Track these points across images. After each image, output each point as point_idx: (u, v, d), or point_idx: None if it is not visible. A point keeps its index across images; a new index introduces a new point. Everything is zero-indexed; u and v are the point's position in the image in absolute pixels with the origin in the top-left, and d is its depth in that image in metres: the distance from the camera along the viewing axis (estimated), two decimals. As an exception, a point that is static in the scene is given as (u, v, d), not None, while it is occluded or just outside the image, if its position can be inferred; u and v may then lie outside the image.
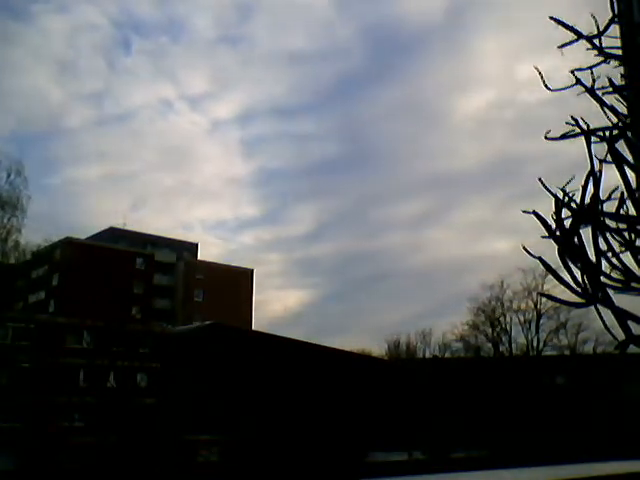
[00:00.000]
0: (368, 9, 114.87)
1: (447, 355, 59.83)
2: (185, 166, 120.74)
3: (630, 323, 4.52)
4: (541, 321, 53.31)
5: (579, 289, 4.70)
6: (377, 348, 68.42)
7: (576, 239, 4.72)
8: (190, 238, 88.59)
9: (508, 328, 54.91)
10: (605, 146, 4.71)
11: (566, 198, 4.83)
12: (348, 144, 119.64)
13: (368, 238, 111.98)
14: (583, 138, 4.82)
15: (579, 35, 4.96)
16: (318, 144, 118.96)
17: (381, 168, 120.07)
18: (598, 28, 4.95)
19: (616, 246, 4.70)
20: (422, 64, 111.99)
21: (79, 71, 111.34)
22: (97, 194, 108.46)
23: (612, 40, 5.05)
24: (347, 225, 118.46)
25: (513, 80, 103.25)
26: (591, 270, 4.65)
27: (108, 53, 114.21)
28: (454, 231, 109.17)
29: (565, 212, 4.82)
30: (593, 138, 4.80)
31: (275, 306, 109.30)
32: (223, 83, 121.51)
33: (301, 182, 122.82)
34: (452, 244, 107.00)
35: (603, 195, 4.80)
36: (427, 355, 63.80)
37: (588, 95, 4.81)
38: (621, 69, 5.01)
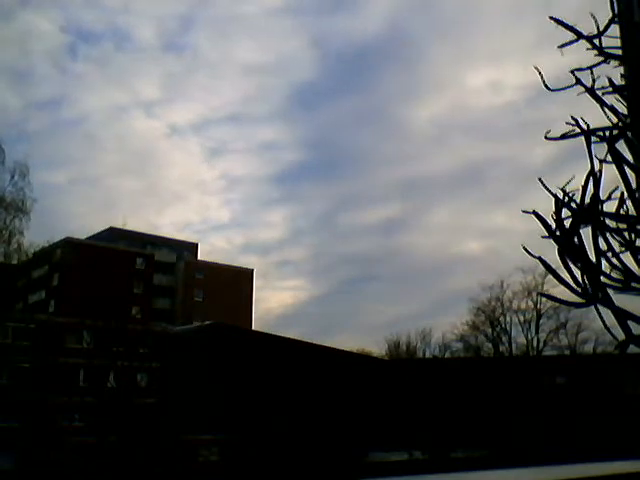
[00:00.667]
0: (320, 22, 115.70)
1: (447, 355, 59.90)
2: (149, 170, 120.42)
3: (630, 323, 4.52)
4: (541, 321, 53.36)
5: (579, 289, 4.70)
6: (377, 348, 68.58)
7: (576, 239, 4.72)
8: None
9: (508, 328, 55.00)
10: (605, 146, 4.72)
11: (566, 198, 4.84)
12: (313, 151, 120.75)
13: (342, 242, 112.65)
14: (583, 138, 4.83)
15: (579, 35, 4.96)
16: (282, 151, 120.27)
17: (349, 173, 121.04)
18: (598, 28, 4.96)
19: (616, 246, 4.70)
20: (379, 74, 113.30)
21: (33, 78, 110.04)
22: (61, 198, 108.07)
23: (612, 40, 5.05)
24: (320, 229, 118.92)
25: (466, 87, 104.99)
26: (591, 270, 4.65)
27: (59, 60, 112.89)
28: (426, 234, 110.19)
29: (565, 212, 4.83)
30: (593, 138, 4.80)
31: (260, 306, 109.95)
32: (176, 90, 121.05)
33: (269, 187, 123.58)
34: (425, 248, 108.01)
35: (603, 195, 4.80)
36: (427, 355, 63.86)
37: (588, 95, 4.82)
38: (621, 69, 5.01)
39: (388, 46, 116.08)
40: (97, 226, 75.05)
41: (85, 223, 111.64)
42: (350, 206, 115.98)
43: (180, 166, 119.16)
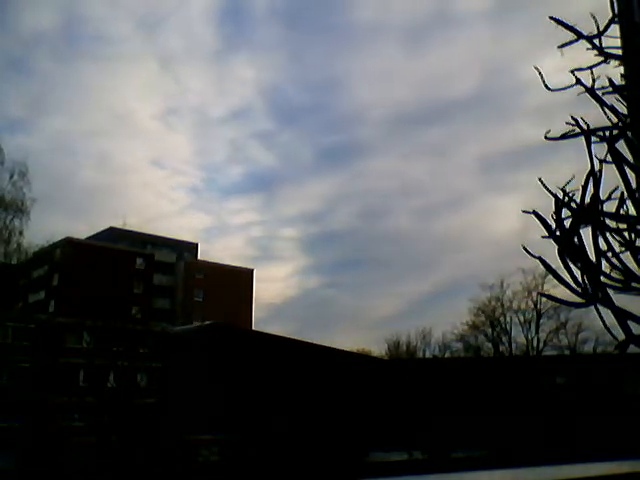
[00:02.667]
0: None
1: (447, 355, 59.86)
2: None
3: (630, 323, 4.53)
4: (541, 321, 53.33)
5: (579, 289, 4.70)
6: (377, 348, 68.64)
7: (576, 239, 4.72)
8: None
9: (508, 328, 54.96)
10: (605, 146, 4.72)
11: (566, 198, 4.84)
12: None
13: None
14: (583, 138, 4.83)
15: (579, 35, 4.97)
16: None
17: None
18: (598, 28, 4.96)
19: (616, 246, 4.70)
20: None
21: None
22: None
23: (612, 40, 5.05)
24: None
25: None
26: (591, 270, 4.65)
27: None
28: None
29: (565, 212, 4.83)
30: (593, 138, 4.80)
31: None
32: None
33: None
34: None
35: (603, 195, 4.80)
36: (427, 355, 63.85)
37: (588, 95, 4.82)
38: (621, 69, 5.01)
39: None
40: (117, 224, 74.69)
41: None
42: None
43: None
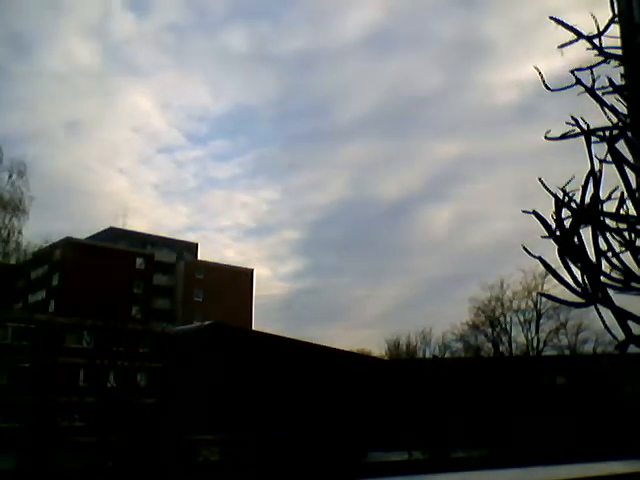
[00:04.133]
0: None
1: (447, 355, 59.86)
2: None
3: (630, 323, 4.52)
4: (541, 321, 53.37)
5: (579, 289, 4.70)
6: (377, 348, 68.62)
7: (576, 239, 4.72)
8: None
9: (508, 328, 55.00)
10: (605, 146, 4.72)
11: (566, 198, 4.84)
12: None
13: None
14: (583, 138, 4.83)
15: (579, 35, 4.97)
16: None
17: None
18: (598, 28, 4.96)
19: (616, 246, 4.70)
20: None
21: None
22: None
23: (612, 40, 5.05)
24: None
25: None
26: (591, 270, 4.65)
27: None
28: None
29: (565, 212, 4.83)
30: (593, 138, 4.80)
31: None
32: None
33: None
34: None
35: (603, 195, 4.80)
36: (427, 355, 63.85)
37: (588, 95, 4.82)
38: (621, 69, 5.01)
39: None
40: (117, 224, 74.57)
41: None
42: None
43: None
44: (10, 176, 40.93)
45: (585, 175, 4.76)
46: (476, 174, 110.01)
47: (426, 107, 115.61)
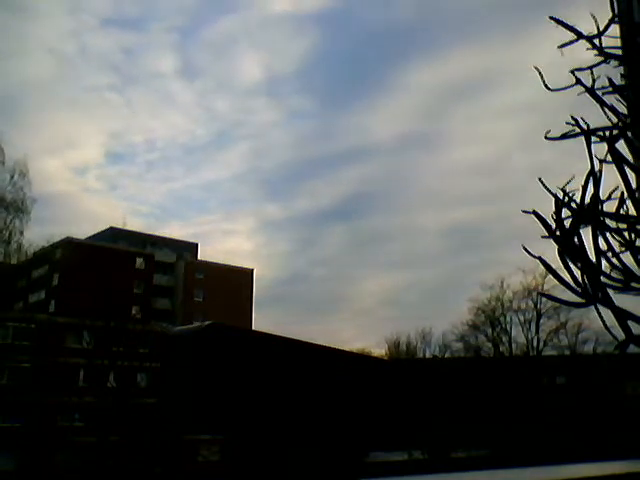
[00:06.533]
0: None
1: (447, 355, 59.87)
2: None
3: (630, 323, 4.52)
4: (541, 321, 53.34)
5: (579, 289, 4.70)
6: (377, 348, 68.64)
7: (576, 239, 4.72)
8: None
9: (508, 328, 54.98)
10: (605, 146, 4.71)
11: (566, 198, 4.83)
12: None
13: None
14: (583, 138, 4.83)
15: (579, 35, 4.96)
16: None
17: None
18: (598, 28, 4.96)
19: (616, 246, 4.70)
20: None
21: None
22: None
23: (612, 40, 5.05)
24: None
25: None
26: (591, 270, 4.65)
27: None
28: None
29: (565, 212, 4.82)
30: (593, 138, 4.80)
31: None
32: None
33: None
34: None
35: (603, 195, 4.80)
36: (427, 355, 63.87)
37: (588, 95, 4.82)
38: (621, 69, 5.01)
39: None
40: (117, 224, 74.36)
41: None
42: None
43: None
44: (12, 177, 40.96)
45: (585, 175, 4.76)
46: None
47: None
